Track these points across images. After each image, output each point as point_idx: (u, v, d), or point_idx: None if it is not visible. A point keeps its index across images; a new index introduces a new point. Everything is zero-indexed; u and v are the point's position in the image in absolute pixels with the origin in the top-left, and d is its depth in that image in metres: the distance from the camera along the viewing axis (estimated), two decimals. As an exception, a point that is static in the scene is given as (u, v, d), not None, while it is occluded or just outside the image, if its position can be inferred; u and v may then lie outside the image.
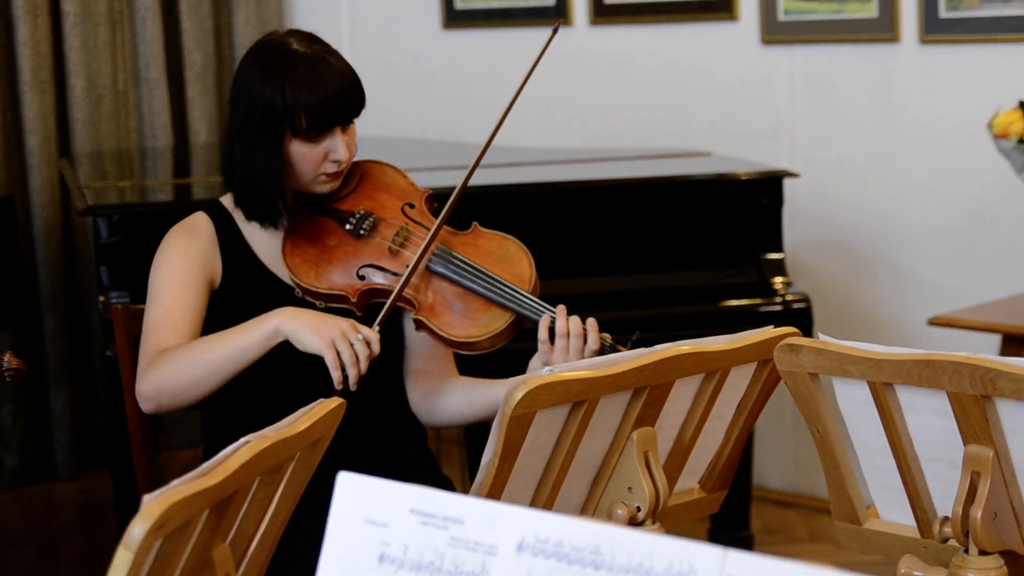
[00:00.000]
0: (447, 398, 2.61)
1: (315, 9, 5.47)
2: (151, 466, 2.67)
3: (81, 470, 4.98)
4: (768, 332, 2.06)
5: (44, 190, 4.84)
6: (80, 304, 4.91)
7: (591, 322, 2.46)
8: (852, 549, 2.02)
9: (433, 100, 5.28)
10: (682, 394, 2.03)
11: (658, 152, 4.37)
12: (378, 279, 2.53)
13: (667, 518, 2.03)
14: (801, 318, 3.64)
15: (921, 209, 4.27)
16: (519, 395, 1.81)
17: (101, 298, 3.46)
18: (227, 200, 2.60)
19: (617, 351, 2.35)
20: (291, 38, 2.52)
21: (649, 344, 1.99)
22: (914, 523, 1.94)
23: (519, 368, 2.15)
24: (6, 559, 4.30)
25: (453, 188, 2.55)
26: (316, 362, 2.36)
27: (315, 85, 2.45)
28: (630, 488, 1.98)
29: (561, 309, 2.46)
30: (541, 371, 1.86)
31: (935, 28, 4.14)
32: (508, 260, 2.55)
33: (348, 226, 2.56)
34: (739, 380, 2.09)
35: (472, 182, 2.56)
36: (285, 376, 2.48)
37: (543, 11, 4.94)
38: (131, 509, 1.48)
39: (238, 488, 1.60)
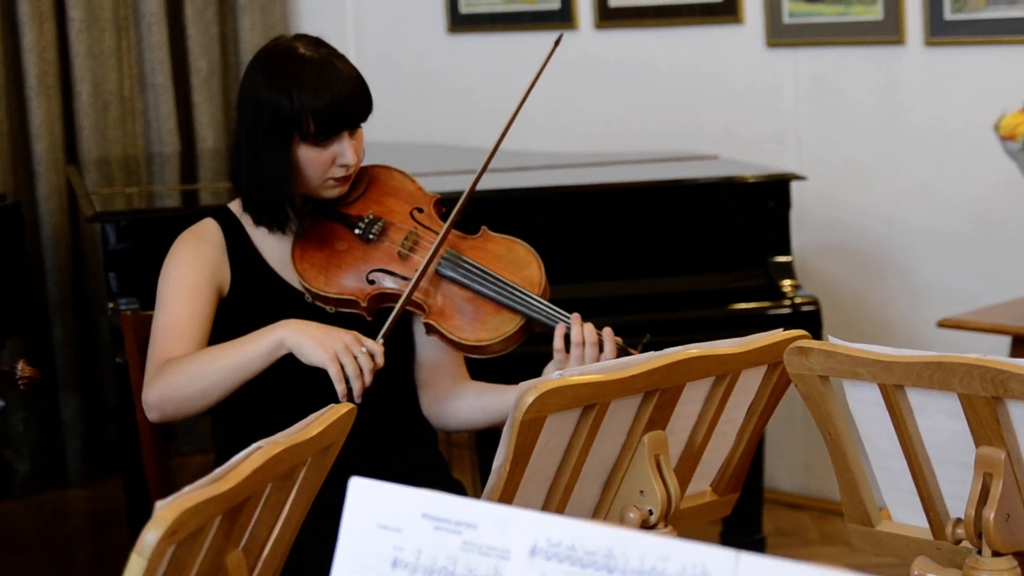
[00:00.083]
0: (459, 402, 2.61)
1: (320, 14, 5.47)
2: (162, 472, 2.67)
3: (92, 477, 4.97)
4: (778, 335, 2.06)
5: (51, 197, 4.83)
6: (89, 311, 4.91)
7: (607, 331, 2.45)
8: (865, 551, 2.02)
9: (438, 104, 5.28)
10: (692, 397, 2.03)
11: (664, 156, 4.36)
12: (388, 283, 2.53)
13: (679, 521, 2.03)
14: (810, 321, 3.63)
15: (927, 211, 4.27)
16: (530, 399, 1.81)
17: (110, 304, 3.45)
18: (235, 206, 2.60)
19: (628, 354, 2.35)
20: (298, 42, 2.51)
21: (659, 348, 1.99)
22: (927, 525, 1.94)
23: (529, 372, 2.14)
24: (19, 567, 4.30)
25: (461, 193, 2.54)
26: (321, 375, 2.35)
27: (322, 89, 2.45)
28: (642, 491, 1.98)
29: (576, 317, 2.45)
30: (552, 375, 1.86)
31: (940, 30, 4.13)
32: (517, 264, 2.55)
33: (357, 231, 2.56)
34: (749, 383, 2.09)
35: (480, 186, 2.56)
36: (290, 388, 2.47)
37: (548, 15, 4.93)
38: (143, 516, 1.49)
39: (250, 494, 1.60)
